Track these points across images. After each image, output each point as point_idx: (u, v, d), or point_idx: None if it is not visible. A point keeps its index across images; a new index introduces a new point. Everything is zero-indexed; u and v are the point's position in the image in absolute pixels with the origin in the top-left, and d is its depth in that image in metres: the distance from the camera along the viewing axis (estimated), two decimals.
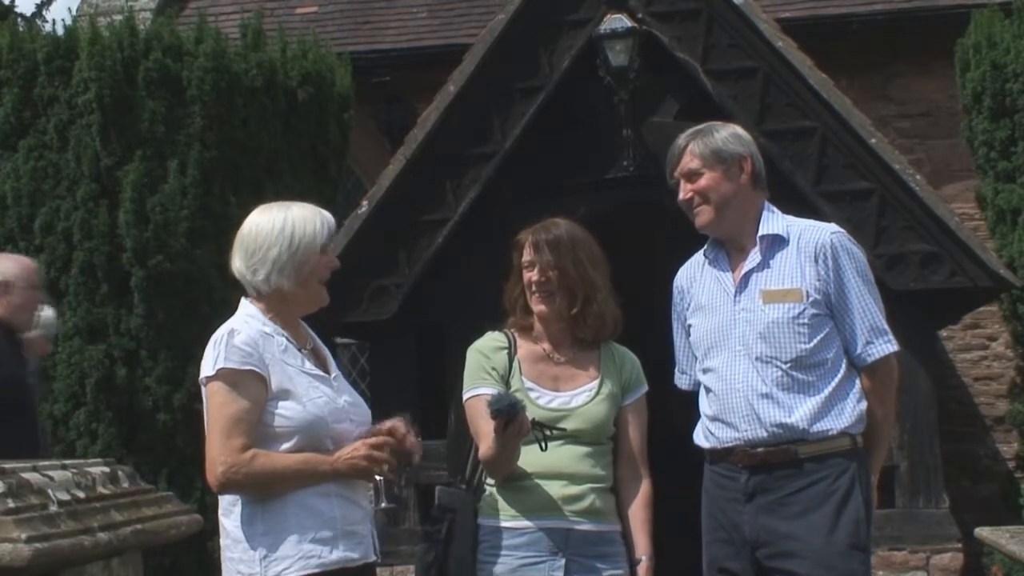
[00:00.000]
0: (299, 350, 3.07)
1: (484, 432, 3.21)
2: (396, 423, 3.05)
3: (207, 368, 2.96)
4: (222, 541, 3.02)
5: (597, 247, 3.39)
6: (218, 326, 3.06)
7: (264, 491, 2.92)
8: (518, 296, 3.39)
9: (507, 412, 3.03)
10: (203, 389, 3.00)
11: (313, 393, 2.99)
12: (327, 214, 3.12)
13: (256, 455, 2.90)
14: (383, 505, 3.07)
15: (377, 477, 3.02)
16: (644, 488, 3.33)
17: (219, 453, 2.90)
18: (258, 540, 2.92)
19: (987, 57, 8.09)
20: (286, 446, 2.94)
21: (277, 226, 3.03)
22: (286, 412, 2.95)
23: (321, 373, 3.08)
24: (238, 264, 3.08)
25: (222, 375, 2.93)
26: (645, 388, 3.41)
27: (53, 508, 3.59)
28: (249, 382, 2.92)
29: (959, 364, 9.68)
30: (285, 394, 2.96)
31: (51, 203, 7.14)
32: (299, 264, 3.02)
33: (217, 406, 2.93)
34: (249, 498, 2.95)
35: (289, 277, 3.03)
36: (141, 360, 7.02)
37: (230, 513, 2.99)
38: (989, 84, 8.05)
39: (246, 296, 3.12)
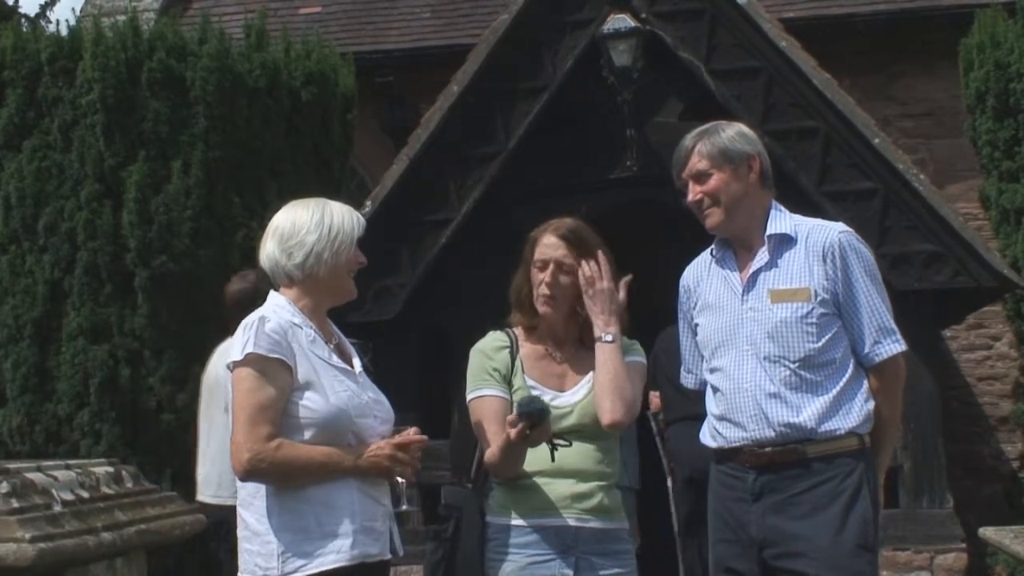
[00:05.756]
0: (326, 343, 3.09)
1: (489, 433, 3.21)
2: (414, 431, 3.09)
3: (235, 353, 2.98)
4: (240, 532, 3.03)
5: (606, 247, 3.37)
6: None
7: (287, 481, 2.94)
8: (526, 293, 3.37)
9: (536, 416, 3.04)
10: (231, 375, 3.01)
11: (338, 386, 3.02)
12: (357, 212, 3.19)
13: (281, 444, 2.92)
14: (403, 507, 3.08)
15: (399, 480, 3.04)
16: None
17: (245, 440, 2.91)
18: (276, 535, 2.93)
19: (991, 57, 8.07)
20: (306, 437, 2.95)
21: (316, 216, 3.09)
22: (310, 403, 2.96)
23: (347, 367, 3.11)
24: (271, 248, 3.11)
25: (250, 360, 2.94)
26: (641, 358, 3.37)
27: (57, 508, 3.60)
28: (276, 370, 2.94)
29: (963, 364, 9.67)
30: (310, 385, 2.97)
31: (55, 203, 7.13)
32: (335, 252, 3.06)
33: (244, 392, 2.94)
34: (270, 490, 2.96)
35: (325, 263, 3.06)
36: (145, 360, 7.02)
37: (249, 505, 3.00)
38: (993, 84, 8.04)
39: (275, 289, 3.16)
